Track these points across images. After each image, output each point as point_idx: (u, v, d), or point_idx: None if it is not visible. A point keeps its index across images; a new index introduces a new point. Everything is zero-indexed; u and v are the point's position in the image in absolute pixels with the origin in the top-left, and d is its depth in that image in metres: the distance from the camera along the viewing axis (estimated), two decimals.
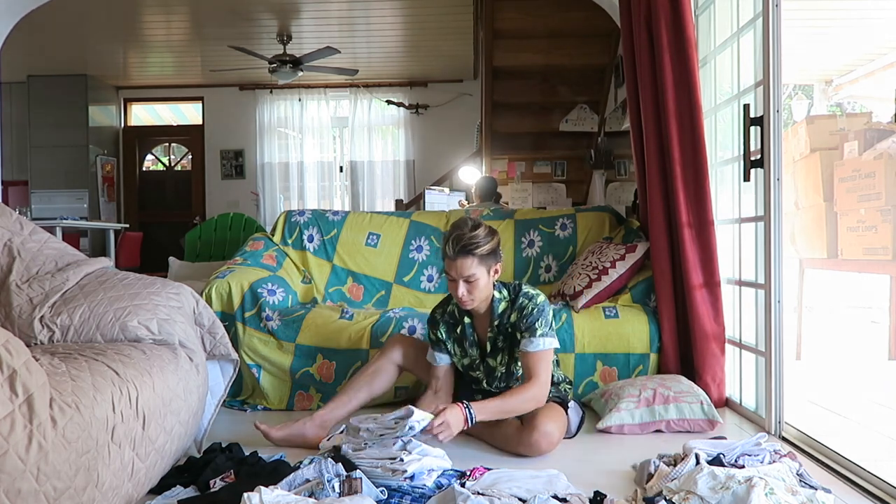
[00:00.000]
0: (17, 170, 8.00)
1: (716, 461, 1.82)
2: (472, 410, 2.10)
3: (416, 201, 7.19)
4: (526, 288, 2.35)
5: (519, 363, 2.35)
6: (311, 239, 3.58)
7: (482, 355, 2.42)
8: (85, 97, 8.18)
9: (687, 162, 2.83)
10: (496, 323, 2.34)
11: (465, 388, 2.52)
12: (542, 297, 2.32)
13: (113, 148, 8.79)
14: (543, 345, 2.25)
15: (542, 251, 3.52)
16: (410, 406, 2.00)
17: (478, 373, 2.45)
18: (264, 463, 2.05)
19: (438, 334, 2.44)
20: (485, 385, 2.46)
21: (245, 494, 1.56)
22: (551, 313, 2.33)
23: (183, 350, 2.06)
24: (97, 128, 8.41)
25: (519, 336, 2.29)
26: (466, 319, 2.39)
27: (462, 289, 2.24)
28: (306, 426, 2.35)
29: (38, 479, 1.31)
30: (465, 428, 2.10)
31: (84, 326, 1.98)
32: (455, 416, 2.06)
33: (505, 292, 2.35)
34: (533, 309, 2.28)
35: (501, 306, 2.33)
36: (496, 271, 2.30)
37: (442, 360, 2.44)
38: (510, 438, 2.25)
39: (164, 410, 1.82)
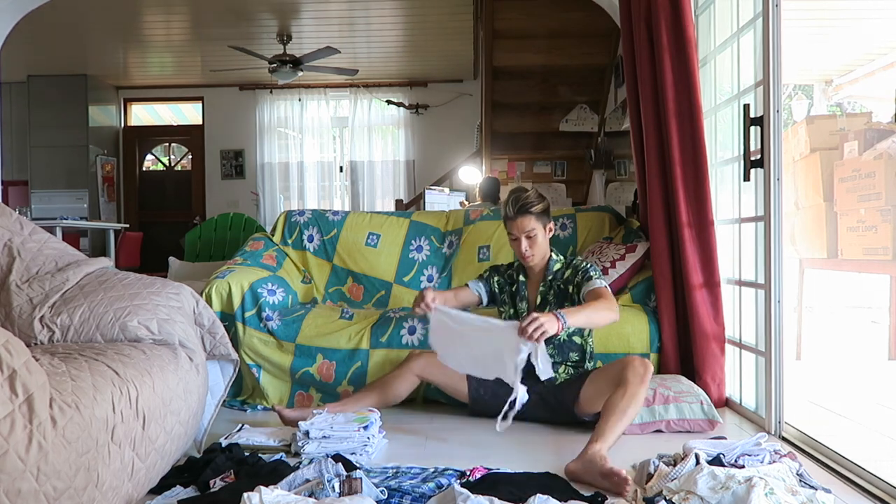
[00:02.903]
0: (17, 170, 8.00)
1: (716, 461, 1.82)
2: (564, 315, 2.30)
3: (416, 201, 7.19)
4: (579, 257, 2.78)
5: None
6: (311, 239, 3.58)
7: (530, 310, 2.64)
8: (85, 97, 8.18)
9: (687, 162, 2.83)
10: (549, 278, 2.66)
11: (491, 383, 2.57)
12: (593, 264, 2.68)
13: (113, 148, 8.80)
14: (601, 283, 2.56)
15: None
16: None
17: None
18: (264, 463, 2.05)
19: (493, 279, 2.80)
20: None
21: (245, 494, 1.56)
22: (601, 274, 2.65)
23: (183, 350, 2.06)
24: (97, 128, 8.41)
25: (574, 288, 2.60)
26: (521, 278, 2.73)
27: (525, 244, 2.60)
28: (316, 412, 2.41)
29: (38, 479, 1.31)
30: (559, 330, 2.28)
31: (84, 326, 1.98)
32: (547, 317, 2.26)
33: (562, 257, 2.73)
34: (587, 265, 2.64)
35: (557, 266, 2.68)
36: (550, 229, 2.67)
37: (477, 291, 2.78)
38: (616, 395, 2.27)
39: (164, 410, 1.82)
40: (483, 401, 2.63)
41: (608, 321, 2.49)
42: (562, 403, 2.52)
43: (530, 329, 2.20)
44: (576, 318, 2.36)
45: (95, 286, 2.12)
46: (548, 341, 2.54)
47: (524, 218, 2.56)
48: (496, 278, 2.79)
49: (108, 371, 1.66)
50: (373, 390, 2.61)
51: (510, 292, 2.75)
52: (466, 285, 2.81)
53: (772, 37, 2.41)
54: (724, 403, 2.84)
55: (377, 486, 1.82)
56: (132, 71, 8.49)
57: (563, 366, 2.60)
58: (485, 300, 2.79)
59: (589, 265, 2.63)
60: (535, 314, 2.25)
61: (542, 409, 2.56)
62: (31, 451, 1.30)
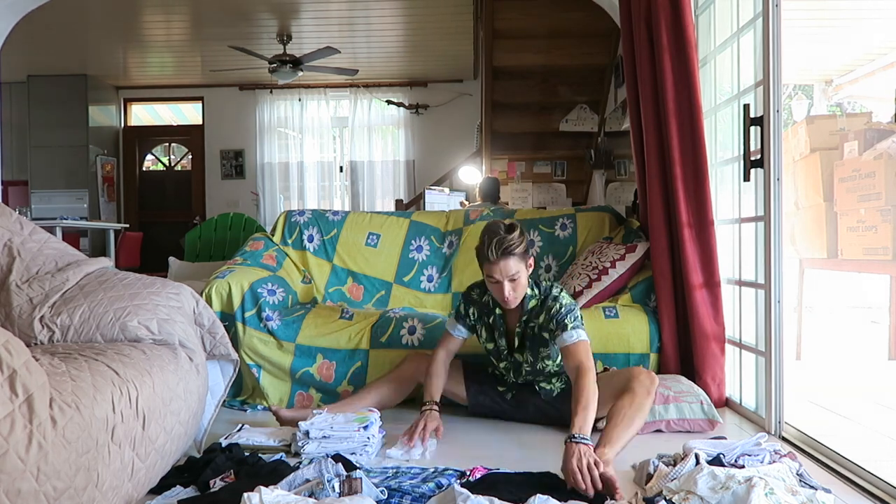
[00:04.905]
0: (17, 170, 8.00)
1: (716, 461, 1.82)
2: (585, 438, 1.98)
3: (416, 201, 7.19)
4: (555, 290, 2.43)
5: (545, 360, 2.47)
6: (311, 239, 3.58)
7: (510, 348, 2.51)
8: (85, 97, 8.18)
9: (687, 162, 2.83)
10: (524, 319, 2.44)
11: (490, 389, 2.64)
12: (568, 298, 2.42)
13: (113, 148, 8.79)
14: (578, 336, 2.31)
15: (542, 251, 3.52)
16: None
17: (504, 363, 2.55)
18: (264, 463, 2.05)
19: (469, 312, 2.54)
20: (512, 377, 2.58)
21: (245, 494, 1.56)
22: (578, 311, 2.41)
23: (183, 350, 2.06)
24: (97, 128, 8.41)
25: (550, 336, 2.38)
26: (498, 311, 2.48)
27: (508, 288, 2.33)
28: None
29: (38, 479, 1.31)
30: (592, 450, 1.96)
31: (84, 326, 1.98)
32: (578, 454, 1.90)
33: (536, 290, 2.44)
34: (560, 308, 2.36)
35: (532, 303, 2.43)
36: (530, 266, 2.39)
37: (460, 334, 2.56)
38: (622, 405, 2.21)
39: (164, 410, 1.82)
40: (483, 405, 2.65)
41: (597, 401, 2.15)
42: (560, 414, 2.47)
43: (585, 483, 1.83)
44: (588, 427, 2.03)
45: (95, 286, 2.12)
46: (539, 373, 2.53)
47: (507, 261, 2.28)
48: (471, 308, 2.54)
49: (108, 371, 1.66)
50: (370, 392, 2.60)
51: (486, 324, 2.52)
52: (447, 331, 2.57)
53: (772, 37, 2.41)
54: (724, 403, 2.84)
55: (377, 486, 1.82)
56: (132, 71, 8.48)
57: (558, 377, 2.56)
58: (466, 337, 2.58)
59: (562, 306, 2.35)
60: (570, 466, 1.86)
61: (539, 418, 2.57)
62: (31, 451, 1.30)
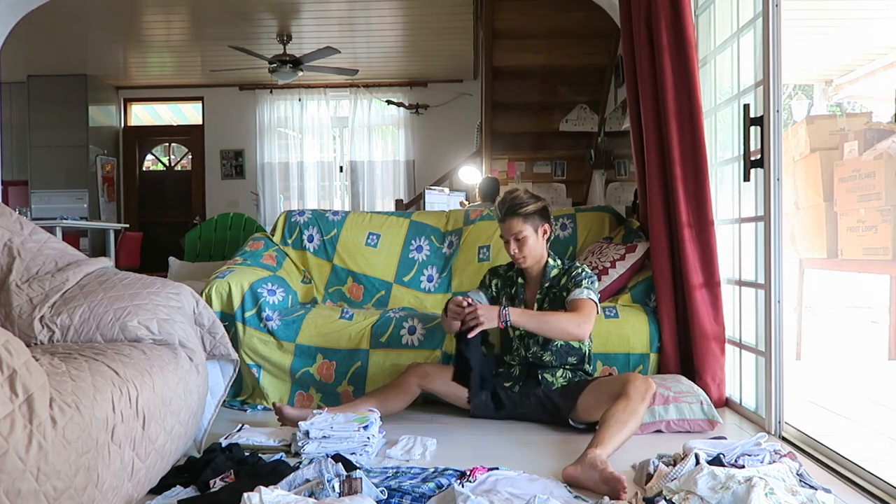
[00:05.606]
0: (17, 170, 8.00)
1: (716, 461, 1.82)
2: (508, 314, 2.37)
3: (416, 201, 7.19)
4: (577, 263, 2.66)
5: None
6: (311, 239, 3.58)
7: None
8: (85, 97, 8.18)
9: (687, 162, 2.83)
10: (546, 285, 2.61)
11: (499, 366, 2.69)
12: (590, 271, 2.61)
13: (113, 148, 8.79)
14: (587, 294, 2.48)
15: None
16: None
17: (518, 331, 2.61)
18: (264, 463, 2.05)
19: (493, 283, 2.74)
20: (522, 351, 2.63)
21: (245, 494, 1.56)
22: (597, 284, 2.59)
23: (183, 350, 2.06)
24: (97, 128, 8.41)
25: (566, 294, 2.52)
26: (520, 280, 2.68)
27: (514, 246, 2.55)
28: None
29: (38, 479, 1.31)
30: (500, 326, 2.37)
31: (84, 326, 1.98)
32: (488, 311, 2.36)
33: (559, 262, 2.65)
34: (581, 272, 2.57)
35: (554, 272, 2.62)
36: (545, 231, 2.59)
37: (480, 300, 2.68)
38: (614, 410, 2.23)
39: (164, 410, 1.82)
40: (485, 406, 2.63)
41: (565, 334, 2.43)
42: (558, 409, 2.52)
43: (468, 318, 2.34)
44: (523, 320, 2.40)
45: (95, 286, 2.12)
46: (545, 346, 2.56)
47: (512, 220, 2.53)
48: (494, 280, 2.74)
49: (108, 371, 1.66)
50: (372, 399, 2.59)
51: (509, 294, 2.69)
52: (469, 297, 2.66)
53: (772, 37, 2.41)
54: (724, 403, 2.84)
55: (377, 486, 1.82)
56: (132, 71, 8.48)
57: (562, 369, 2.58)
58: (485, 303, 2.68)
59: (583, 271, 2.57)
60: (478, 305, 2.36)
61: (540, 413, 2.58)
62: (31, 451, 1.30)
